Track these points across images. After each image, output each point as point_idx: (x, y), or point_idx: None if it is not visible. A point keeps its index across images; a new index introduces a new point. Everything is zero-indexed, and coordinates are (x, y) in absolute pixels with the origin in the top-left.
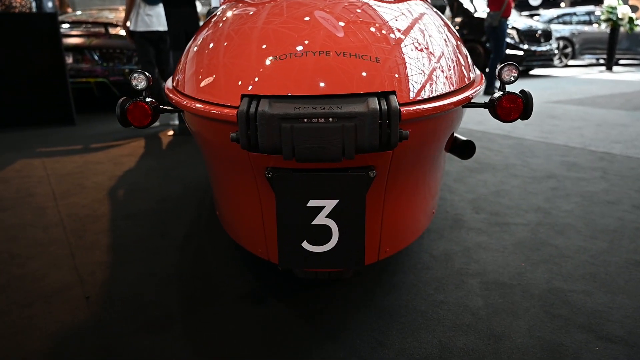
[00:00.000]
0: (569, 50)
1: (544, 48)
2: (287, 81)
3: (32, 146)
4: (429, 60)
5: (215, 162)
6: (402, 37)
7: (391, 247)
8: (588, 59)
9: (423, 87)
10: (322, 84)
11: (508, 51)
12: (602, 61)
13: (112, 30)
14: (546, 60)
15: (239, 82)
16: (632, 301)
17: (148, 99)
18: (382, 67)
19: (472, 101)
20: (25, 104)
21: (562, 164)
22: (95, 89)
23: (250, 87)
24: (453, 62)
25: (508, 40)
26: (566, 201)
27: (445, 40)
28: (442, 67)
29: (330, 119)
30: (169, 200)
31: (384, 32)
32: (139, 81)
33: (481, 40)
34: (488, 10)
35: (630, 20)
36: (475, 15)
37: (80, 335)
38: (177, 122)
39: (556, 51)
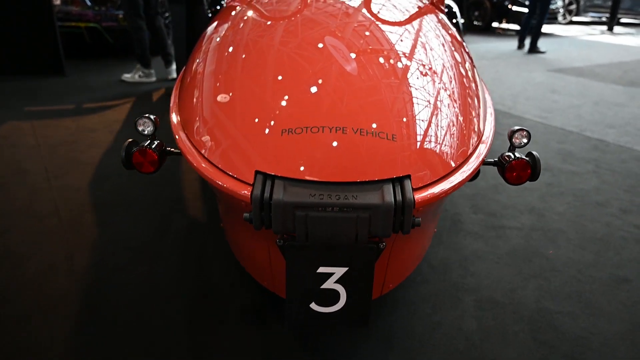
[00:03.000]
0: (573, 7)
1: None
2: (302, 161)
3: (19, 103)
4: (446, 126)
5: (226, 207)
6: (417, 94)
7: (395, 281)
8: (591, 16)
9: (437, 163)
10: (337, 169)
11: (514, 8)
12: (604, 19)
13: None
14: (551, 18)
15: (253, 154)
16: (612, 325)
17: (156, 142)
18: (398, 146)
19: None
20: (8, 51)
21: (558, 154)
22: (86, 34)
23: (264, 163)
24: (469, 117)
25: None
26: (559, 201)
27: (462, 83)
28: (458, 131)
29: (345, 209)
30: (168, 185)
31: (399, 88)
32: (146, 126)
33: None
34: None
35: None
36: None
37: (80, 351)
38: (174, 76)
39: (561, 9)
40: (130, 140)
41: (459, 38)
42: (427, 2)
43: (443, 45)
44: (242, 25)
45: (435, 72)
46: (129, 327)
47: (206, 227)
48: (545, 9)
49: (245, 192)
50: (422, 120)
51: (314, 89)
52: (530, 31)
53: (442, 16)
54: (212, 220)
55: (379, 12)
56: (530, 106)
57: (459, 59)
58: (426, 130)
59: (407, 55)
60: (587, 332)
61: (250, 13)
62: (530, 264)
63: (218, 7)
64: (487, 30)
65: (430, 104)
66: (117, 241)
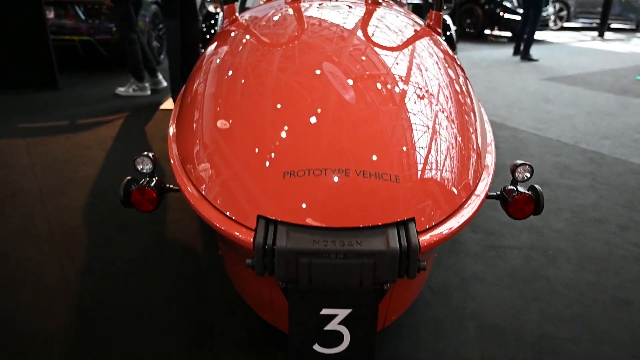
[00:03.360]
0: (564, 13)
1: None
2: (305, 206)
3: (14, 118)
4: (448, 160)
5: (226, 243)
6: (418, 127)
7: (397, 313)
8: (582, 22)
9: (442, 202)
10: (341, 214)
11: (506, 15)
12: (595, 25)
13: None
14: (542, 24)
15: (255, 197)
16: (616, 351)
17: (155, 179)
18: (401, 187)
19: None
20: (1, 64)
21: (554, 167)
22: (79, 47)
23: (266, 207)
24: (471, 149)
25: (507, 4)
26: (557, 218)
27: (462, 113)
28: (461, 166)
29: (349, 255)
30: (165, 206)
31: (400, 120)
32: (145, 164)
33: (480, 2)
34: None
35: None
36: None
37: None
38: (164, 84)
39: (552, 16)
40: (128, 178)
41: (457, 62)
42: (424, 25)
43: (441, 72)
44: (239, 52)
45: (435, 103)
46: (124, 355)
47: (205, 250)
48: (537, 16)
49: (248, 237)
50: (425, 157)
51: (314, 122)
52: (523, 40)
53: (439, 39)
54: (212, 243)
55: (376, 36)
56: (524, 117)
57: (457, 88)
58: (429, 168)
59: (405, 83)
60: (591, 359)
61: (247, 38)
62: (531, 286)
63: (212, 22)
64: (479, 38)
65: (431, 137)
66: (112, 265)
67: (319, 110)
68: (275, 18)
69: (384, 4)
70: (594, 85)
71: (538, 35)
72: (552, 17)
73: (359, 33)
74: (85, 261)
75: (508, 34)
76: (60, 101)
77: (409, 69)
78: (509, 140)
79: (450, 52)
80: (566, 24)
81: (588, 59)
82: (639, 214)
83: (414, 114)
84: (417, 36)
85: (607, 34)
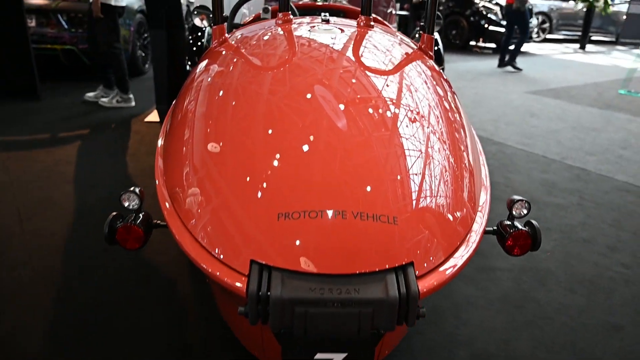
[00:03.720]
0: (546, 25)
1: None
2: (300, 250)
3: None
4: (445, 196)
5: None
6: (414, 161)
7: (390, 347)
8: (564, 34)
9: (441, 241)
10: (338, 259)
11: (491, 27)
12: (576, 36)
13: None
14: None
15: (248, 240)
16: None
17: (141, 215)
18: (399, 230)
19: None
20: None
21: (542, 185)
22: (61, 56)
23: (260, 251)
24: (467, 182)
25: (491, 16)
26: (546, 238)
27: (457, 142)
28: (458, 201)
29: (347, 303)
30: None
31: (395, 154)
32: (131, 200)
33: (466, 14)
34: None
35: (605, 2)
36: None
37: None
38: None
39: (535, 28)
40: (114, 213)
41: (449, 86)
42: (416, 48)
43: (434, 98)
44: (228, 76)
45: (430, 131)
46: None
47: (191, 275)
48: (525, 29)
49: (240, 284)
50: (422, 192)
51: (307, 155)
52: (509, 51)
53: (431, 63)
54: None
55: (368, 60)
56: (510, 132)
57: (450, 115)
58: (427, 204)
59: (398, 109)
60: None
61: (236, 61)
62: (522, 310)
63: (199, 34)
64: (464, 49)
65: (428, 169)
66: (95, 295)
67: (312, 139)
68: (266, 40)
69: (375, 26)
70: (578, 99)
71: (522, 47)
72: (535, 29)
73: (351, 57)
74: (65, 289)
75: (493, 45)
76: (40, 112)
77: (402, 94)
78: (497, 155)
79: (442, 75)
80: (549, 36)
81: (571, 71)
82: (626, 233)
83: (409, 144)
84: (409, 59)
85: (588, 46)
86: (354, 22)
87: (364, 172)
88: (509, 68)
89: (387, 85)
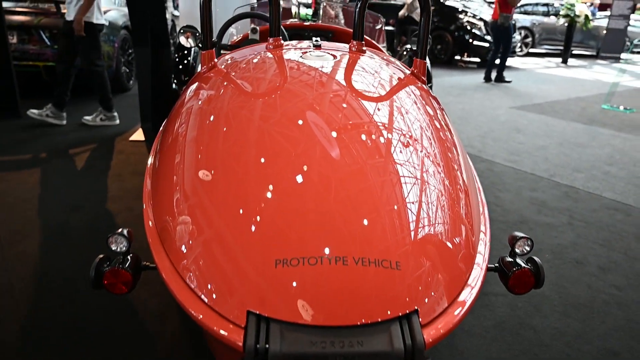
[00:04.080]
0: (529, 40)
1: None
2: (300, 301)
3: None
4: (447, 233)
5: None
6: (413, 197)
7: None
8: (546, 48)
9: (445, 284)
10: (340, 310)
11: (475, 42)
12: (558, 50)
13: (64, 9)
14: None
15: (244, 289)
16: None
17: (129, 258)
18: (402, 275)
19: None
20: None
21: (531, 203)
22: (44, 73)
23: (257, 301)
24: (467, 214)
25: (475, 31)
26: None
27: (453, 171)
28: (459, 237)
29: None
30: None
31: (393, 191)
32: (119, 243)
33: (450, 29)
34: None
35: (586, 17)
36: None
37: None
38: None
39: (519, 43)
40: (101, 256)
41: (443, 112)
42: (408, 73)
43: (429, 125)
44: (219, 105)
45: (428, 163)
46: None
47: (181, 316)
48: (508, 45)
49: (236, 337)
50: (423, 230)
51: (304, 193)
52: (495, 66)
53: (425, 88)
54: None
55: (360, 86)
56: (498, 148)
57: (447, 144)
58: (429, 243)
59: (394, 138)
60: None
61: (227, 88)
62: (518, 337)
63: (185, 52)
64: (449, 63)
65: (427, 204)
66: (76, 323)
67: (308, 174)
68: (257, 66)
69: (367, 50)
70: (562, 114)
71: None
72: (519, 44)
73: (344, 84)
74: (48, 319)
75: (477, 60)
76: (23, 131)
77: (395, 121)
78: (486, 173)
79: (437, 101)
80: (531, 50)
81: (554, 86)
82: (617, 253)
83: (406, 176)
84: (401, 85)
85: (571, 60)
86: (345, 47)
87: (361, 207)
88: (496, 82)
89: (380, 113)
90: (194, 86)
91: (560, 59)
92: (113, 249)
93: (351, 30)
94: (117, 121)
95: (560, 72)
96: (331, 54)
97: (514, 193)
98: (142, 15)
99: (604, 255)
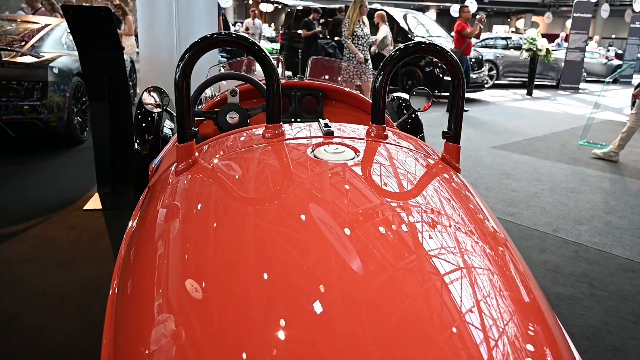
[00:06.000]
0: (494, 72)
1: (475, 75)
2: None
3: None
4: None
5: None
6: (472, 326)
7: None
8: (509, 80)
9: None
10: None
11: (446, 78)
12: (520, 81)
13: (6, 56)
14: (478, 86)
15: None
16: None
17: None
18: None
19: None
20: None
21: (545, 269)
22: None
23: None
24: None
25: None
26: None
27: (508, 279)
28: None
29: None
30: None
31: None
32: None
33: (420, 65)
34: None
35: (547, 51)
36: (415, 39)
37: None
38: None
39: (487, 78)
40: None
41: (483, 205)
42: (438, 159)
43: (476, 230)
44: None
45: (484, 279)
46: None
47: None
48: (466, 79)
49: None
50: None
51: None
52: None
53: (458, 179)
54: None
55: (385, 183)
56: (493, 199)
57: (496, 241)
58: None
59: (432, 248)
60: None
61: (218, 203)
62: None
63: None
64: None
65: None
66: None
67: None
68: (254, 171)
69: (389, 136)
70: (544, 153)
71: (476, 95)
72: (487, 78)
73: (371, 191)
74: None
75: (448, 94)
76: None
77: (429, 223)
78: None
79: (473, 193)
80: (496, 82)
81: (527, 121)
82: None
83: (458, 301)
84: (432, 175)
85: (535, 92)
86: (362, 130)
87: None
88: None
89: (409, 212)
90: (167, 193)
91: (524, 91)
92: None
93: (344, 88)
94: None
95: (528, 105)
96: (350, 147)
97: (525, 257)
98: (97, 64)
99: None
